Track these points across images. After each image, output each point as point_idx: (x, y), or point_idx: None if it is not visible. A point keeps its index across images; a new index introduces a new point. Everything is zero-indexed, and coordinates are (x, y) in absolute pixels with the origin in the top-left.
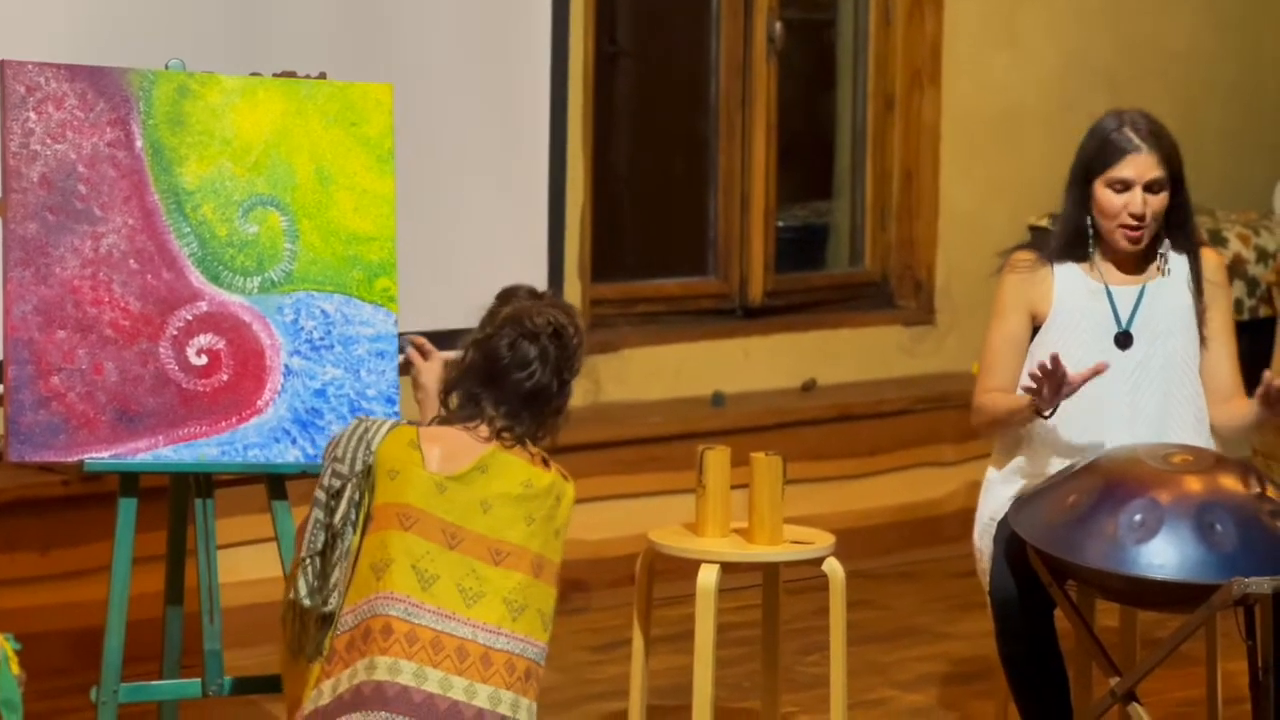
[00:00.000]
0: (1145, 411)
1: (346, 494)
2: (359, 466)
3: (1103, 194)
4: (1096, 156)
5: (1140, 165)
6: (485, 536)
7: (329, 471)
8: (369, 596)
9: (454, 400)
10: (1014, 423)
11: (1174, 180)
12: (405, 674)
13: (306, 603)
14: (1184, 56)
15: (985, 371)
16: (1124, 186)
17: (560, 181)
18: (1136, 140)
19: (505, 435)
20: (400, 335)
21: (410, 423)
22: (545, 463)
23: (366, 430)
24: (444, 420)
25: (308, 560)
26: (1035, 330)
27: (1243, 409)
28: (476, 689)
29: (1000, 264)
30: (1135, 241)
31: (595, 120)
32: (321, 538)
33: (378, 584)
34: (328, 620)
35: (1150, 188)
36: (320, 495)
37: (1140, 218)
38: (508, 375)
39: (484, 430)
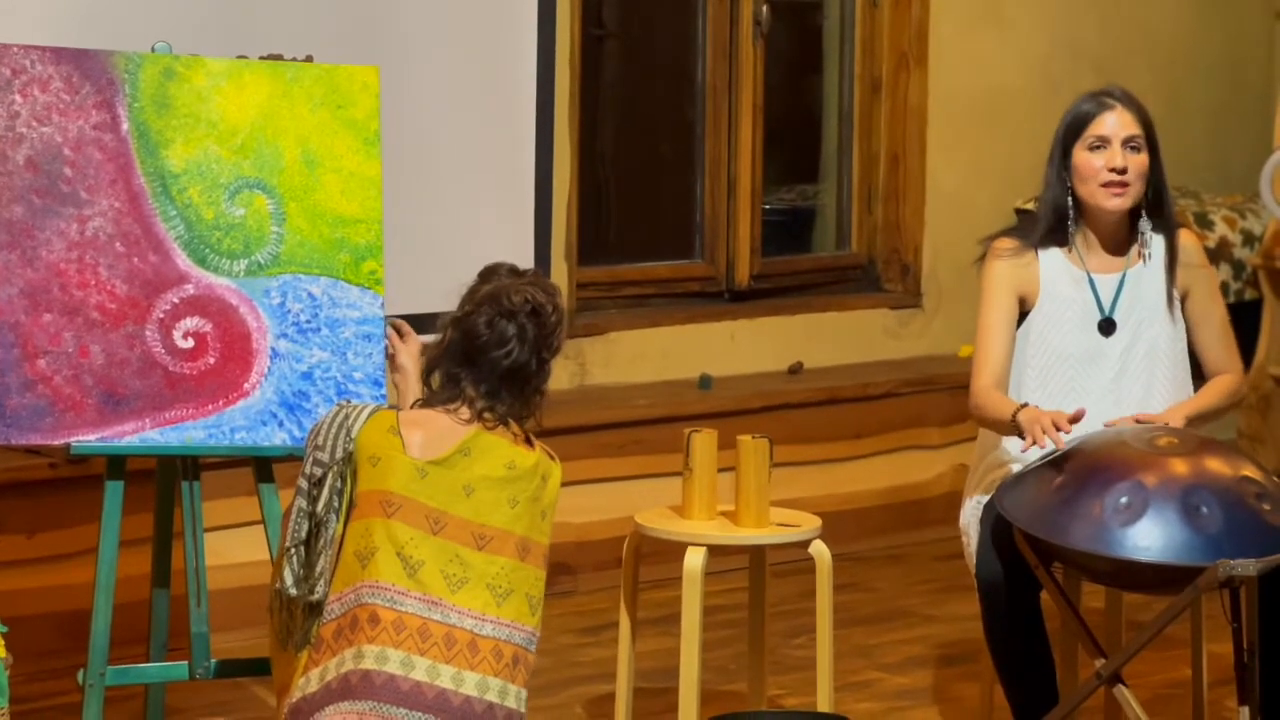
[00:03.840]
0: (1128, 398)
1: (328, 482)
2: (339, 454)
3: (1082, 157)
4: (1072, 124)
5: (1116, 121)
6: (469, 521)
7: (310, 459)
8: (355, 585)
9: (435, 380)
10: (1000, 431)
11: (1151, 150)
12: (393, 662)
13: (293, 592)
14: (1169, 38)
15: (981, 357)
16: (1101, 143)
17: (547, 164)
18: (1110, 100)
19: (487, 416)
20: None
21: (391, 407)
22: (529, 442)
23: (347, 417)
24: (425, 403)
25: (292, 549)
26: (1023, 315)
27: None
28: (464, 676)
29: (982, 250)
30: (1119, 195)
31: (582, 103)
32: (305, 526)
33: (363, 573)
34: (315, 609)
35: (1128, 144)
36: (303, 483)
37: (1121, 171)
38: (486, 353)
39: (465, 412)
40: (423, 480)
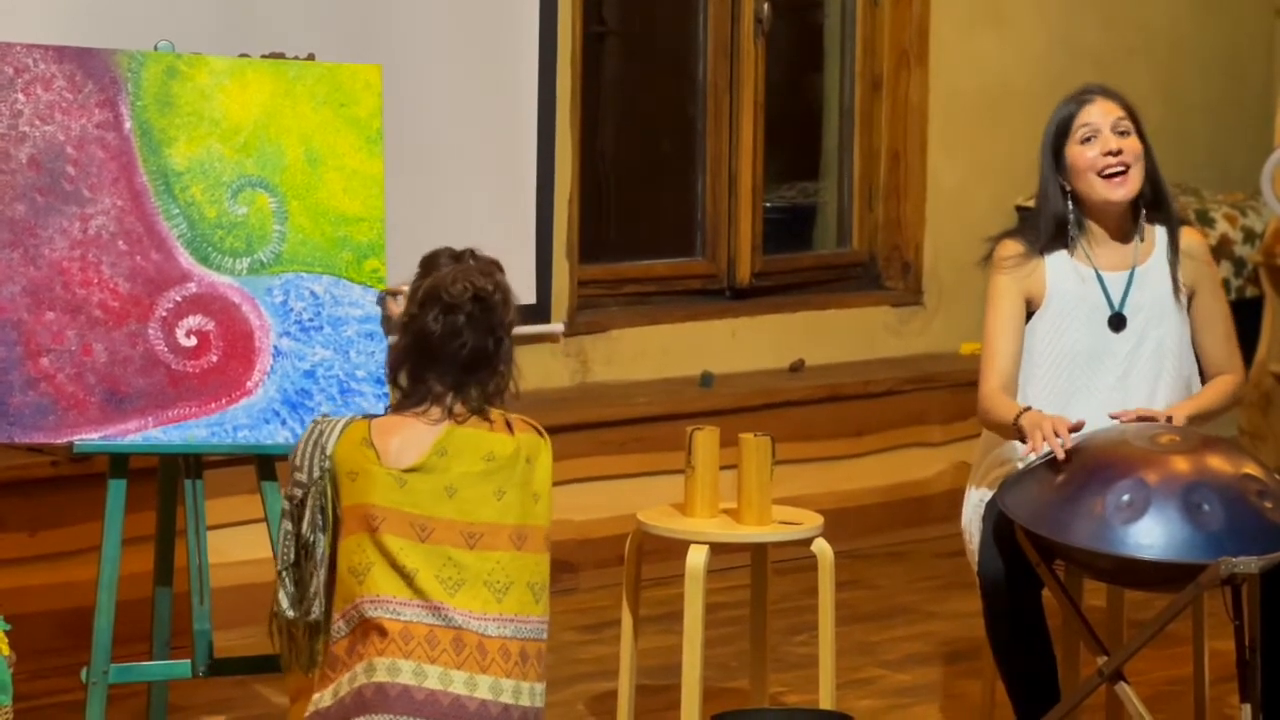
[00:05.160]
0: (1134, 397)
1: (309, 502)
2: (316, 473)
3: (1075, 152)
4: (1059, 126)
5: (1100, 110)
6: (456, 521)
7: (291, 481)
8: (355, 601)
9: (403, 380)
10: (1004, 435)
11: (1140, 138)
12: (405, 673)
13: (290, 614)
14: (1169, 36)
15: (988, 360)
16: (1091, 132)
17: (548, 162)
18: (1089, 95)
19: (457, 411)
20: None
21: (365, 416)
22: (509, 426)
23: (321, 434)
24: (396, 408)
25: (283, 573)
26: (1030, 314)
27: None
28: (477, 680)
29: (987, 250)
30: (1121, 183)
31: (583, 101)
32: (292, 548)
33: (360, 588)
34: (316, 628)
35: (1116, 129)
36: (286, 505)
37: (1116, 153)
38: (443, 349)
39: (435, 412)
40: (402, 489)
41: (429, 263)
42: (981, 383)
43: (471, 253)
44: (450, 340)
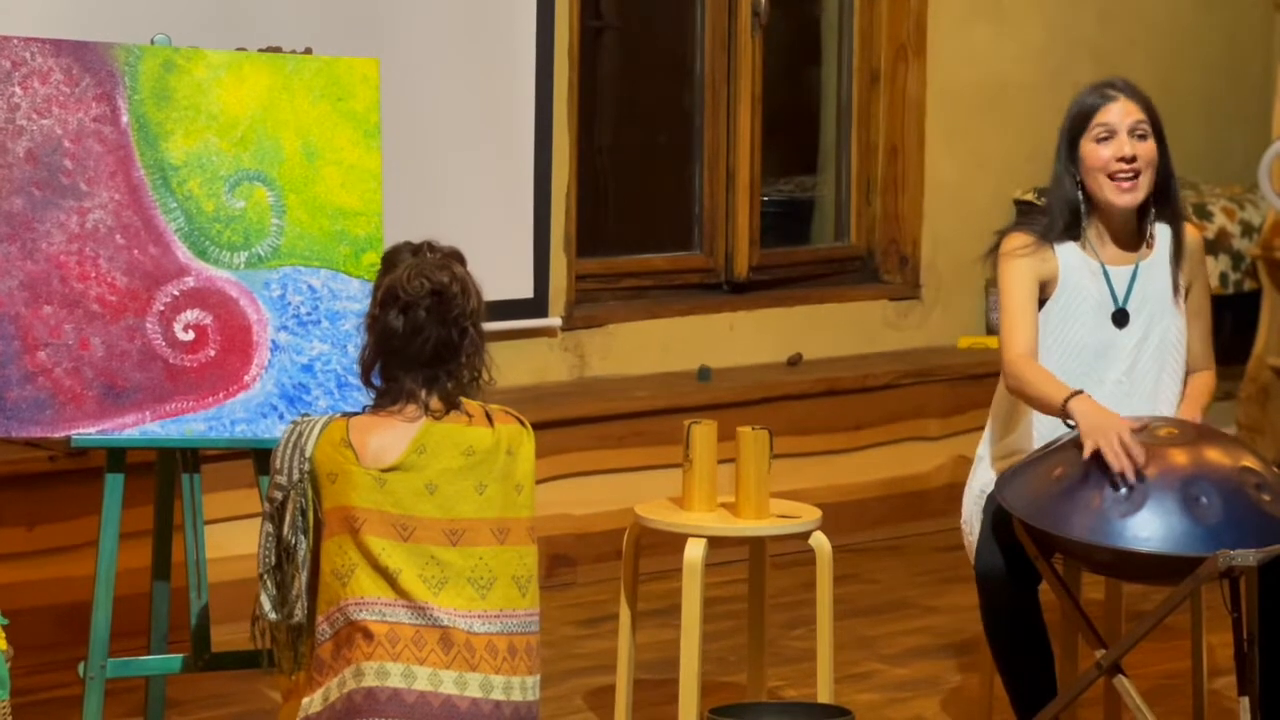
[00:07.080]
0: (1139, 389)
1: (290, 505)
2: (296, 476)
3: (1089, 149)
4: (1077, 117)
5: (1120, 110)
6: (437, 520)
7: (271, 484)
8: (339, 604)
9: (376, 379)
10: (1040, 408)
11: (1158, 139)
12: (394, 676)
13: (272, 616)
14: (1168, 29)
15: (1010, 330)
16: (1108, 133)
17: (546, 156)
18: (1113, 91)
19: (433, 407)
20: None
21: (343, 415)
22: (489, 418)
23: (300, 436)
24: (374, 408)
25: (265, 576)
26: (1043, 300)
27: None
28: (467, 679)
29: (994, 242)
30: (1130, 190)
31: (580, 95)
32: (274, 551)
33: (344, 591)
34: (299, 631)
35: (1134, 132)
36: (267, 508)
37: (1129, 160)
38: (409, 345)
39: (411, 410)
40: (382, 489)
41: (389, 260)
42: (1006, 349)
43: (429, 245)
44: (413, 337)
